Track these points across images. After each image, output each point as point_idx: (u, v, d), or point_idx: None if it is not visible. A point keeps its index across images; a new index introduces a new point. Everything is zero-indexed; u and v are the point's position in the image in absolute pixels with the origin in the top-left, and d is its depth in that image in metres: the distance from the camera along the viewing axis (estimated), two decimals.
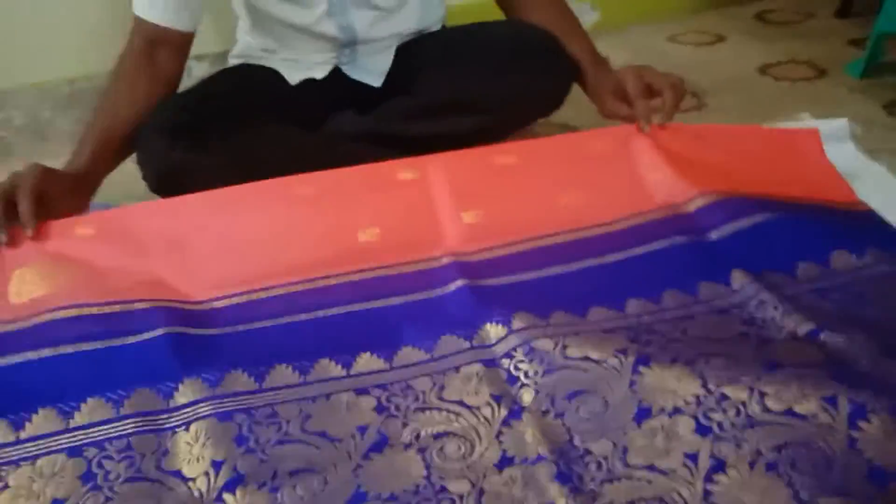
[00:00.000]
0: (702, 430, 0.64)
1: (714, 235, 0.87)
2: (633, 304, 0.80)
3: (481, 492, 0.63)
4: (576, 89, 1.16)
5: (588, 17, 1.89)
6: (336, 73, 1.23)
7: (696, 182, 0.92)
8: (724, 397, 0.65)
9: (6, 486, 0.65)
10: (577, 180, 0.94)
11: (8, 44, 1.49)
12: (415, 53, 1.22)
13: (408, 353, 0.77)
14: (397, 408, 0.71)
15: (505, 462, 0.65)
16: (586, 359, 0.72)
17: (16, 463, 0.67)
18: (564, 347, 0.73)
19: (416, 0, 1.22)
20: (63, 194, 0.96)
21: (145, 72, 1.10)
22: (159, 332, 0.77)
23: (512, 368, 0.73)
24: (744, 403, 0.64)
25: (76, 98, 1.57)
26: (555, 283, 0.84)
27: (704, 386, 0.66)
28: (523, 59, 1.10)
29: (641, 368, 0.69)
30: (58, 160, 1.01)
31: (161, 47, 1.10)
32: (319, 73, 1.22)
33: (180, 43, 1.12)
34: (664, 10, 2.00)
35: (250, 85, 1.19)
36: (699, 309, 0.78)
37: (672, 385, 0.67)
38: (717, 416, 0.64)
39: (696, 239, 0.87)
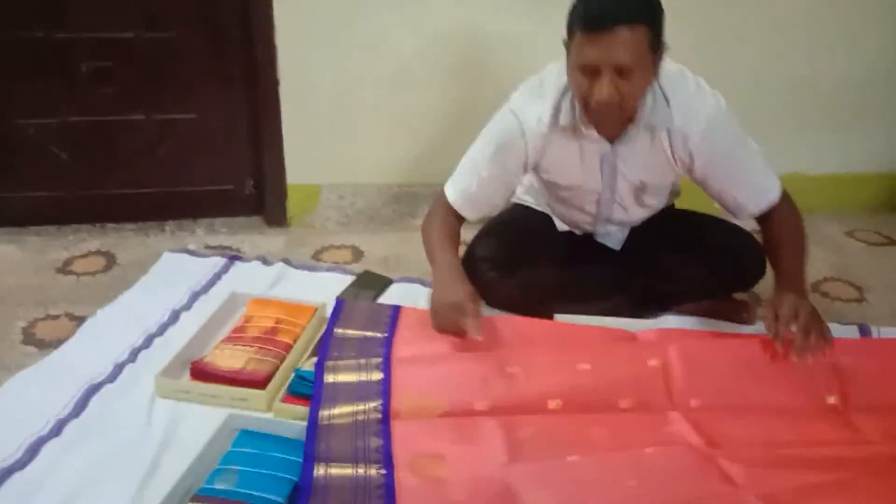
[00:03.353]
0: None
1: None
2: None
3: None
4: None
5: None
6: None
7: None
8: None
9: None
10: (764, 369, 1.41)
11: (365, 152, 2.20)
12: (650, 226, 1.73)
13: None
14: None
15: None
16: None
17: None
18: None
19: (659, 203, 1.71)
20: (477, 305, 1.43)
21: (446, 230, 1.59)
22: None
23: None
24: None
25: (399, 197, 2.25)
26: None
27: None
28: (730, 261, 1.60)
29: None
30: (378, 235, 1.82)
31: (456, 219, 1.61)
32: (577, 232, 1.77)
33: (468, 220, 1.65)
34: (845, 206, 2.40)
35: (533, 226, 1.75)
36: None
37: None
38: None
39: None
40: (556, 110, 1.47)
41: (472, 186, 1.56)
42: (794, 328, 1.33)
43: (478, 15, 2.07)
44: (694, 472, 1.19)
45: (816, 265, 2.04)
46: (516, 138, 1.49)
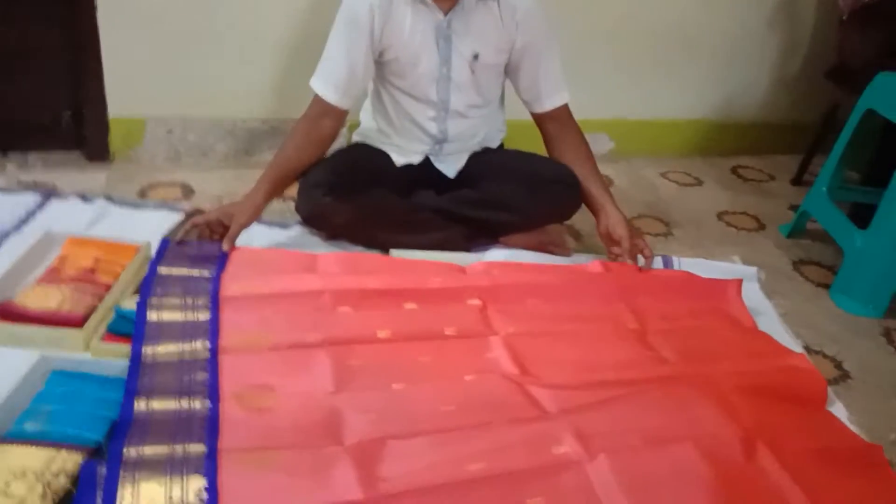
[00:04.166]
0: None
1: None
2: None
3: None
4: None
5: (605, 146, 2.50)
6: (426, 162, 1.82)
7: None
8: None
9: None
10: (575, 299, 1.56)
11: (196, 84, 2.09)
12: (480, 162, 1.82)
13: None
14: None
15: None
16: None
17: None
18: None
19: (489, 119, 1.83)
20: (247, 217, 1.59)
21: (312, 135, 1.69)
22: None
23: None
24: None
25: (234, 132, 2.17)
26: None
27: None
28: (550, 189, 1.71)
29: None
30: (211, 173, 1.67)
31: (326, 117, 1.69)
32: (416, 159, 1.81)
33: (340, 116, 1.71)
34: (661, 149, 2.62)
35: (370, 160, 1.78)
36: None
37: None
38: None
39: None
40: None
41: (332, 67, 1.66)
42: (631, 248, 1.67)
43: None
44: (506, 398, 1.28)
45: (631, 204, 2.22)
46: (363, 9, 1.61)
